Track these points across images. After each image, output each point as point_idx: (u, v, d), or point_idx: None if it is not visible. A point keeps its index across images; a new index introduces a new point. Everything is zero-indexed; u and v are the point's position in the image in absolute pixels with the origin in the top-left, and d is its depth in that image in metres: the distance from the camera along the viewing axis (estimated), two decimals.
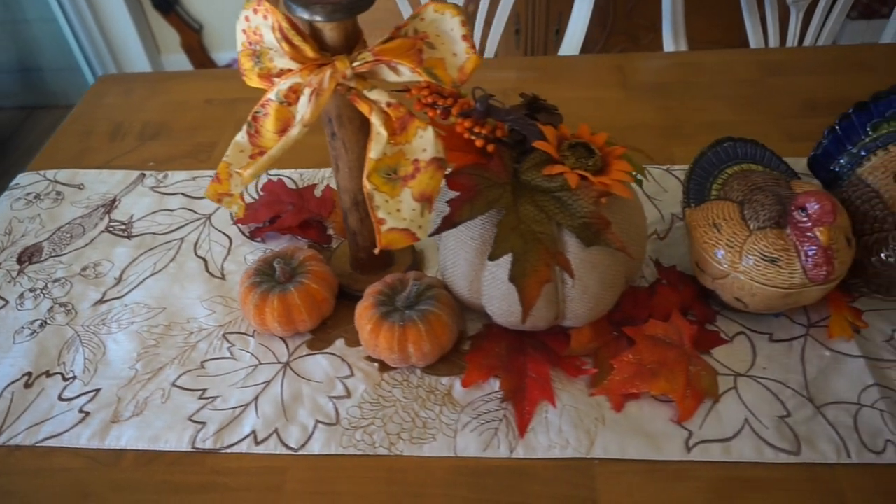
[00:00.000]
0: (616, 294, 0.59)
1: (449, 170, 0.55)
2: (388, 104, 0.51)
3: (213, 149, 0.87)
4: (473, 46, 0.51)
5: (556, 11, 1.72)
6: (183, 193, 0.81)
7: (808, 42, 1.16)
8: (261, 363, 0.63)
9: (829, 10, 1.13)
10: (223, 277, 0.71)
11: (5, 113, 2.31)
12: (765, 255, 0.56)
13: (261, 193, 0.79)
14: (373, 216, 0.52)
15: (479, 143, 0.56)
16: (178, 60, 2.32)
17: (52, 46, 2.17)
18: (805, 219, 0.54)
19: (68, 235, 0.77)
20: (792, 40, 1.15)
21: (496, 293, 0.57)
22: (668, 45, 1.11)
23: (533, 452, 0.55)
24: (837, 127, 0.64)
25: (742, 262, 0.57)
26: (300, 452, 0.56)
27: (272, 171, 0.83)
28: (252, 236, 0.75)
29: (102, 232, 0.77)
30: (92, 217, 0.79)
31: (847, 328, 0.62)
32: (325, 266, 0.65)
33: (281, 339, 0.64)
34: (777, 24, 1.12)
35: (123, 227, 0.77)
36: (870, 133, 0.63)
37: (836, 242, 0.56)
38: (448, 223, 0.53)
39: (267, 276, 0.63)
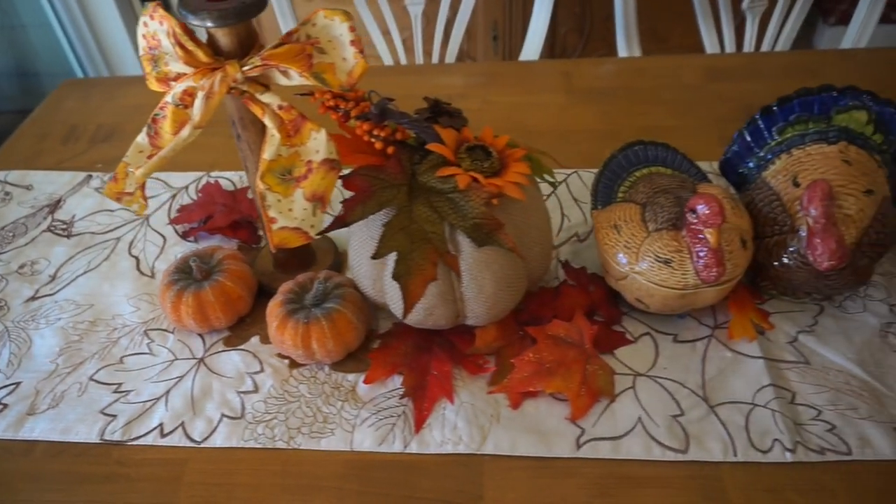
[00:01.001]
0: (516, 294, 0.60)
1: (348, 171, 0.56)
2: (280, 107, 0.53)
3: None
4: (362, 51, 0.52)
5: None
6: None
7: (765, 48, 1.16)
8: (177, 359, 0.64)
9: (785, 16, 1.14)
10: (153, 276, 0.73)
11: (3, 117, 2.36)
12: (658, 257, 0.57)
13: (199, 195, 0.81)
14: (264, 215, 0.54)
15: (378, 145, 0.57)
16: None
17: (47, 51, 2.22)
18: (696, 221, 0.55)
19: (11, 234, 0.79)
20: (749, 46, 1.15)
21: (396, 292, 0.58)
22: (622, 50, 1.12)
23: (426, 448, 0.56)
24: (745, 131, 0.65)
25: (639, 263, 0.58)
26: (202, 445, 0.58)
27: (213, 174, 0.85)
28: (184, 236, 0.76)
29: (44, 231, 0.79)
30: (36, 217, 0.81)
31: (750, 329, 0.62)
32: (244, 265, 0.67)
33: (199, 335, 0.66)
34: (732, 29, 1.13)
35: (65, 226, 0.80)
36: (775, 137, 0.63)
37: (729, 244, 0.57)
38: (339, 222, 0.54)
39: (185, 275, 0.65)
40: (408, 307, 0.53)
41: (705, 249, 0.55)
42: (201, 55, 0.52)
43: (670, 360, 0.61)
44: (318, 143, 0.54)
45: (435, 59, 1.20)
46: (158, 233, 0.78)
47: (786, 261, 0.59)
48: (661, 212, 0.59)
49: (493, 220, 0.55)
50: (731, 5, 1.11)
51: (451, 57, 1.20)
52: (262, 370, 0.63)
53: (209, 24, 0.51)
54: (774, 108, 0.63)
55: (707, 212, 0.54)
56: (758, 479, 0.53)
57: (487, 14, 1.74)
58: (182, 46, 0.51)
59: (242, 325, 0.67)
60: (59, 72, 2.28)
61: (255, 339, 0.65)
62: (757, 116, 0.64)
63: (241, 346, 0.65)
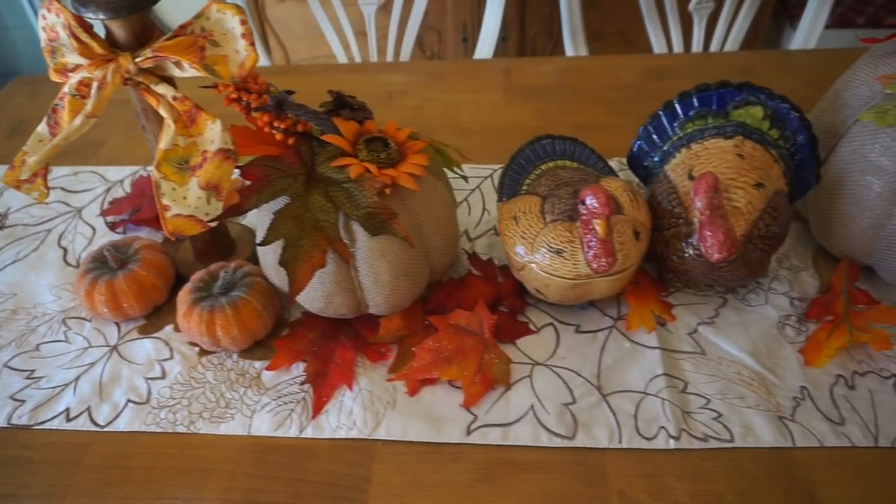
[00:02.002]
0: (415, 283, 0.61)
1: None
2: (175, 98, 0.54)
3: (101, 146, 0.91)
4: (252, 45, 0.54)
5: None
6: (62, 188, 0.85)
7: (714, 49, 1.17)
8: (91, 346, 0.66)
9: (733, 18, 1.15)
10: (78, 266, 0.74)
11: None
12: (551, 247, 0.58)
13: (132, 188, 0.82)
14: (158, 203, 0.55)
15: (279, 136, 0.59)
16: None
17: (29, 52, 2.25)
18: (585, 212, 0.56)
19: None
20: (697, 47, 1.16)
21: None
22: (569, 50, 1.13)
23: (321, 433, 0.57)
24: (649, 126, 0.66)
25: (534, 254, 0.59)
26: (105, 429, 0.59)
27: (149, 168, 0.86)
28: (113, 228, 0.78)
29: None
30: None
31: (649, 320, 0.63)
32: (161, 255, 0.68)
33: (115, 323, 0.67)
34: (680, 30, 1.14)
35: None
36: (677, 132, 0.65)
37: (621, 235, 0.58)
38: (233, 210, 0.55)
39: (100, 264, 0.66)
40: (293, 293, 0.54)
41: (595, 240, 0.57)
42: (95, 47, 0.53)
43: (570, 349, 0.62)
44: (213, 134, 0.55)
45: (390, 57, 1.22)
46: (90, 225, 0.79)
47: (682, 253, 0.60)
48: (558, 203, 0.60)
49: (385, 210, 0.56)
50: (677, 7, 1.12)
51: (405, 55, 1.21)
52: (171, 357, 0.64)
53: (101, 16, 0.52)
54: (676, 103, 0.64)
55: (594, 203, 0.55)
56: (640, 465, 0.54)
57: (456, 16, 1.76)
58: (77, 38, 0.53)
59: (158, 314, 0.68)
60: (42, 72, 2.31)
61: (168, 328, 0.67)
62: (660, 111, 0.65)
63: (155, 335, 0.66)
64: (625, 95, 0.94)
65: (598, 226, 0.56)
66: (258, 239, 0.57)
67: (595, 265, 0.57)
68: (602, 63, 1.01)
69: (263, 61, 1.84)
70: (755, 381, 0.59)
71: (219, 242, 0.70)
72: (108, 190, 0.84)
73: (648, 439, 0.55)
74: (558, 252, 0.58)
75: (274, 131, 0.59)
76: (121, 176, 0.85)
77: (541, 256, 0.59)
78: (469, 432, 0.57)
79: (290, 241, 0.54)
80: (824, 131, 0.65)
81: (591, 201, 0.55)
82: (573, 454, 0.55)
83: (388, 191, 0.57)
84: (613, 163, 0.81)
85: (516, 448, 0.56)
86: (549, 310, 0.66)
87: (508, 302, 0.66)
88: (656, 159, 0.66)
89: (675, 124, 0.65)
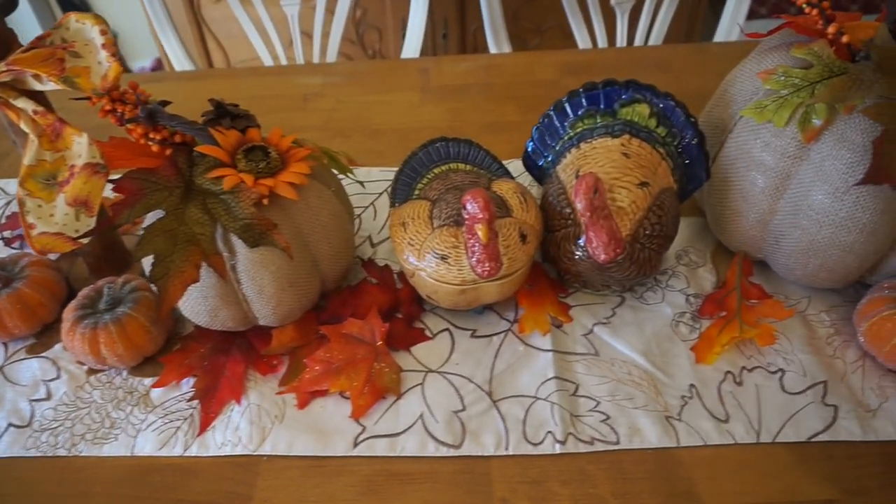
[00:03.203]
0: (303, 294, 0.60)
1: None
2: (35, 112, 0.53)
3: (4, 159, 0.89)
4: (114, 55, 0.52)
5: (441, 15, 1.74)
6: None
7: (638, 42, 1.17)
8: None
9: (655, 12, 1.15)
10: None
11: None
12: (436, 253, 0.57)
13: None
14: (22, 222, 0.53)
15: (155, 148, 0.57)
16: None
17: None
18: (467, 217, 0.56)
19: None
20: (621, 42, 1.16)
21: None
22: (492, 47, 1.12)
23: (206, 450, 0.56)
24: (541, 126, 0.66)
25: (422, 260, 0.59)
26: None
27: None
28: (8, 243, 0.76)
29: None
30: None
31: (543, 323, 0.63)
32: (50, 272, 0.66)
33: (3, 343, 0.65)
34: (603, 25, 1.14)
35: None
36: (568, 131, 0.64)
37: (506, 239, 0.57)
38: (103, 226, 0.54)
39: None
40: (163, 309, 0.52)
41: (478, 245, 0.56)
42: None
43: (464, 355, 0.62)
44: (80, 148, 0.53)
45: (316, 58, 1.20)
46: None
47: (572, 254, 0.60)
48: (446, 208, 0.60)
49: (264, 221, 0.55)
50: (599, 1, 1.12)
51: (332, 56, 1.19)
52: (58, 377, 0.62)
53: None
54: (565, 102, 0.64)
55: (474, 208, 0.55)
56: (525, 472, 0.54)
57: (396, 13, 1.74)
58: None
59: (49, 333, 0.66)
60: None
61: (58, 347, 0.65)
62: (550, 111, 0.65)
63: (43, 354, 0.64)
64: (540, 92, 0.93)
65: (480, 230, 0.55)
66: None
67: (479, 270, 0.57)
68: (520, 60, 1.00)
69: (200, 64, 1.81)
70: (645, 381, 0.59)
71: (112, 256, 0.68)
72: (9, 204, 0.81)
73: (535, 445, 0.55)
74: (443, 258, 0.57)
75: (150, 143, 0.57)
76: None
77: (427, 263, 0.58)
78: (356, 444, 0.56)
79: (161, 257, 0.53)
80: (714, 127, 0.65)
81: (470, 206, 0.55)
82: (459, 463, 0.55)
83: (265, 201, 0.55)
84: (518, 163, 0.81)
85: (403, 459, 0.55)
86: (445, 315, 0.65)
87: (405, 308, 0.65)
88: (550, 159, 0.65)
89: (566, 124, 0.64)
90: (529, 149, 0.67)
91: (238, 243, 0.56)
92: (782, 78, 0.57)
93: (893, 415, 0.56)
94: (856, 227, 0.56)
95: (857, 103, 0.52)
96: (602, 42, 1.16)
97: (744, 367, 0.60)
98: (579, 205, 0.55)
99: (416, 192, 0.64)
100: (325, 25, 1.19)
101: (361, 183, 0.71)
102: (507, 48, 1.12)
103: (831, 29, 0.57)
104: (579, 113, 0.63)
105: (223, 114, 0.61)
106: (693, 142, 0.62)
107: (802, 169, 0.57)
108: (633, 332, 0.63)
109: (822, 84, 0.54)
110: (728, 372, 0.59)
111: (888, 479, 0.52)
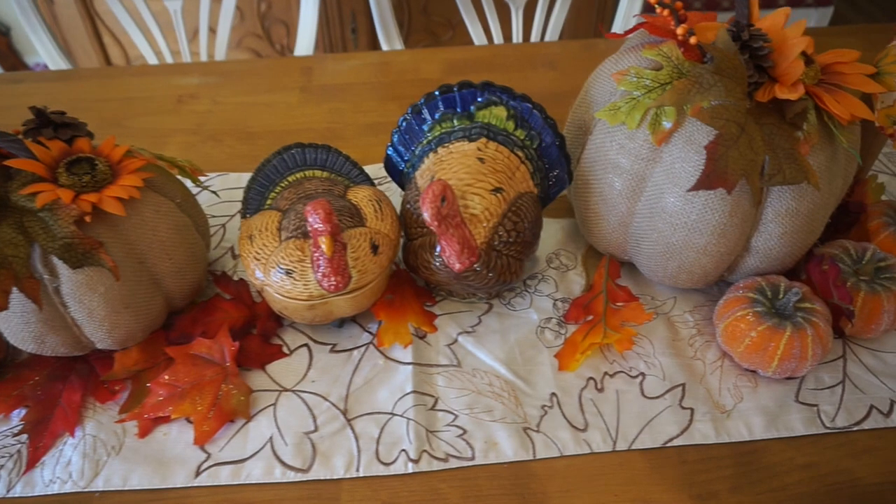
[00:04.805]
0: (144, 314, 0.56)
1: None
2: None
3: None
4: None
5: (349, 9, 1.70)
6: None
7: (534, 39, 1.16)
8: None
9: (550, 7, 1.14)
10: None
11: None
12: (281, 267, 0.54)
13: None
14: None
15: None
16: None
17: None
18: (311, 229, 0.53)
19: None
20: (517, 38, 1.15)
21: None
22: (384, 44, 1.09)
23: (32, 490, 0.52)
24: (401, 130, 0.63)
25: (268, 275, 0.55)
26: None
27: None
28: None
29: None
30: None
31: (405, 335, 0.61)
32: None
33: None
34: (497, 21, 1.12)
35: None
36: (427, 135, 0.62)
37: (356, 251, 0.55)
38: None
39: None
40: None
41: (322, 259, 0.53)
42: None
43: (322, 371, 0.59)
44: None
45: (203, 56, 1.15)
46: None
47: (429, 263, 0.58)
48: (294, 219, 0.57)
49: (87, 240, 0.51)
50: None
51: (220, 54, 1.14)
52: None
53: None
54: (422, 105, 0.62)
55: (315, 220, 0.52)
56: (375, 494, 0.51)
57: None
58: None
59: None
60: None
61: None
62: (407, 115, 0.63)
63: None
64: (421, 91, 0.90)
65: (323, 244, 0.52)
66: None
67: (325, 284, 0.54)
68: (408, 58, 0.98)
69: (95, 61, 1.72)
70: (506, 391, 0.57)
71: None
72: None
73: (387, 465, 0.53)
74: (288, 273, 0.54)
75: None
76: None
77: (273, 278, 0.55)
78: (198, 473, 0.52)
79: None
80: (578, 129, 0.64)
81: (312, 219, 0.52)
82: (308, 488, 0.52)
83: (87, 218, 0.51)
84: None
85: (249, 486, 0.52)
86: (305, 330, 0.62)
87: (261, 324, 0.61)
88: (410, 164, 0.63)
89: (425, 127, 0.62)
90: (389, 153, 0.64)
91: (61, 264, 0.51)
92: (634, 79, 0.56)
93: (746, 415, 0.56)
94: (707, 229, 0.55)
95: (705, 105, 0.52)
96: (498, 38, 1.14)
97: (606, 373, 0.59)
98: (426, 214, 0.53)
99: (269, 201, 0.61)
100: (212, 19, 1.14)
101: (216, 193, 0.67)
102: (398, 45, 1.09)
103: (680, 30, 0.56)
104: (437, 116, 0.61)
105: (45, 122, 0.56)
106: (553, 144, 0.61)
107: (656, 171, 0.56)
108: (497, 340, 0.61)
109: (670, 86, 0.53)
110: (590, 378, 0.58)
111: (737, 482, 0.52)
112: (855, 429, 0.55)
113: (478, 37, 1.13)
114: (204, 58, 1.14)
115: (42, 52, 1.08)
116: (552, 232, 0.71)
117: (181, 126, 0.85)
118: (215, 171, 0.78)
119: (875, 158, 0.71)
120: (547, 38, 1.16)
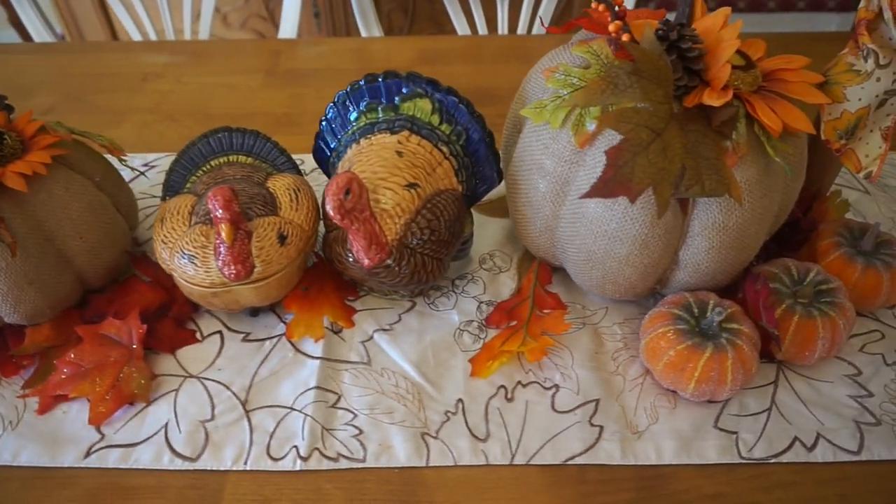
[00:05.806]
0: (51, 291, 0.56)
1: None
2: None
3: None
4: None
5: None
6: None
7: (521, 31, 1.13)
8: None
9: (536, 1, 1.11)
10: None
11: None
12: (184, 253, 0.54)
13: None
14: None
15: None
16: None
17: None
18: (213, 216, 0.52)
19: None
20: (502, 29, 1.12)
21: None
22: (363, 31, 1.07)
23: None
24: (327, 119, 0.62)
25: (173, 259, 0.55)
26: None
27: None
28: None
29: None
30: None
31: (317, 329, 0.59)
32: None
33: None
34: (483, 14, 1.09)
35: None
36: (353, 125, 0.60)
37: (261, 240, 0.54)
38: None
39: None
40: None
41: (223, 246, 0.52)
42: None
43: (231, 360, 0.58)
44: None
45: (187, 35, 1.14)
46: None
47: (342, 257, 0.56)
48: (205, 205, 0.56)
49: None
50: None
51: (204, 33, 1.13)
52: None
53: None
54: (347, 94, 0.60)
55: (214, 207, 0.51)
56: (259, 489, 0.50)
57: None
58: None
59: None
60: None
61: None
62: (333, 104, 0.61)
63: None
64: None
65: (223, 231, 0.51)
66: None
67: (226, 272, 0.53)
68: (382, 45, 0.96)
69: (103, 35, 1.73)
70: (411, 393, 0.56)
71: None
72: None
73: (276, 460, 0.52)
74: (190, 259, 0.53)
75: None
76: None
77: (178, 262, 0.54)
78: (88, 454, 0.52)
79: None
80: (513, 126, 0.61)
81: (212, 205, 0.51)
82: (193, 477, 0.51)
83: None
84: None
85: (136, 471, 0.51)
86: (221, 317, 0.61)
87: (176, 308, 0.61)
88: (336, 154, 0.62)
89: (351, 117, 0.60)
90: (319, 142, 0.63)
91: None
92: (562, 77, 0.54)
93: (658, 437, 0.53)
94: (628, 239, 0.53)
95: (611, 108, 0.49)
96: (482, 30, 1.11)
97: (519, 382, 0.57)
98: (328, 206, 0.51)
99: (188, 185, 0.60)
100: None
101: (144, 173, 0.66)
102: (376, 32, 1.07)
103: (612, 27, 0.53)
104: (362, 106, 0.59)
105: None
106: (481, 140, 0.59)
107: (579, 175, 0.54)
108: (413, 340, 0.59)
109: (584, 86, 0.51)
110: (502, 387, 0.56)
111: None
112: (773, 461, 0.52)
113: (461, 27, 1.10)
114: (188, 36, 1.14)
115: (27, 23, 1.09)
116: (491, 232, 0.69)
117: (141, 104, 0.85)
118: (166, 152, 0.78)
119: (836, 174, 0.67)
120: (535, 32, 1.13)
